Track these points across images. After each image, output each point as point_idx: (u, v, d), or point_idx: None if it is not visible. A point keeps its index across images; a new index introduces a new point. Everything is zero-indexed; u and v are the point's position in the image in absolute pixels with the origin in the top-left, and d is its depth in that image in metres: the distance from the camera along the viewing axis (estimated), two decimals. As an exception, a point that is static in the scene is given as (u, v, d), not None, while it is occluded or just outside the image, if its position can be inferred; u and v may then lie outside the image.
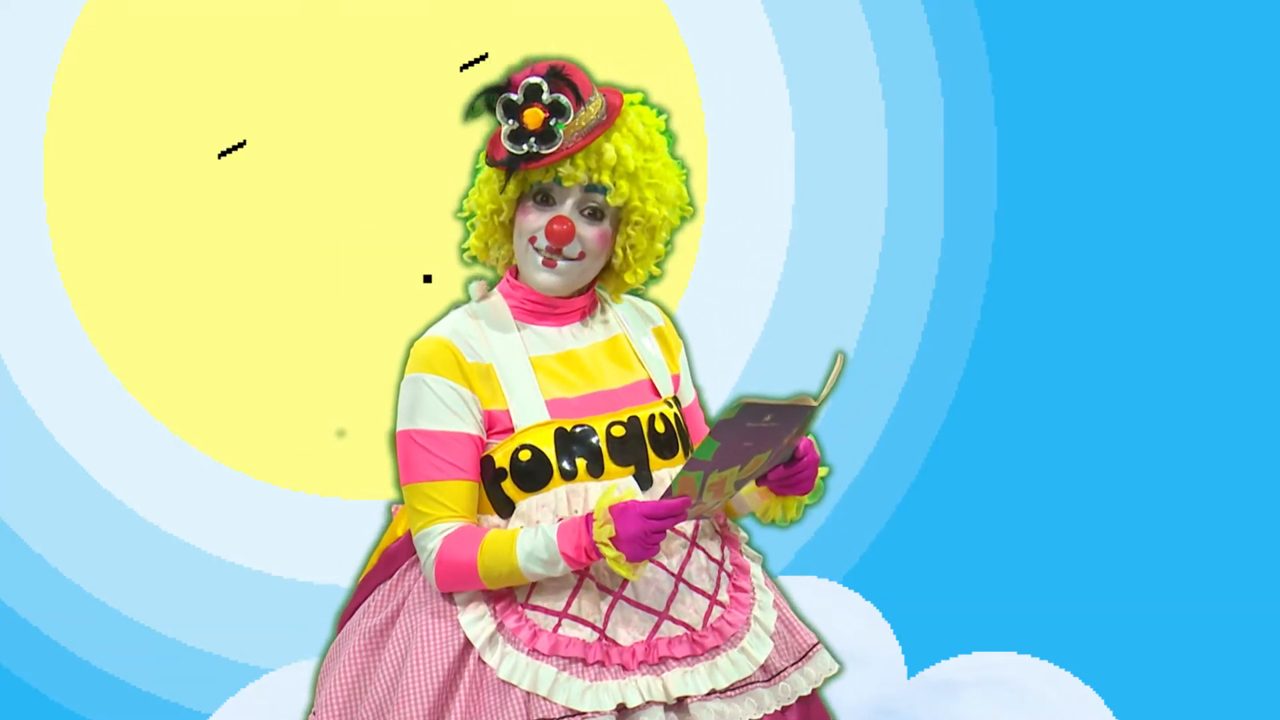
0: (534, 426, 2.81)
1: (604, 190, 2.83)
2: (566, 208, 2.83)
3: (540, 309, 2.89)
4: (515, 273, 2.92)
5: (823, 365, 2.80)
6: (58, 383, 4.76)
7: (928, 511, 4.78)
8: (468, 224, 2.94)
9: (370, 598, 2.96)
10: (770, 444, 2.70)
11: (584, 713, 2.72)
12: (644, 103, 2.90)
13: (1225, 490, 4.75)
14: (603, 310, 2.97)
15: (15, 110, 4.73)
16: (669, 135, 2.91)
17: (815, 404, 2.68)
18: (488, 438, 2.83)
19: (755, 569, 2.95)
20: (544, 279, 2.85)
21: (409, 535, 2.92)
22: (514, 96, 2.79)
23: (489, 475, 2.83)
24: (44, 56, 4.72)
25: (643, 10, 4.81)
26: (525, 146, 2.78)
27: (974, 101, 4.84)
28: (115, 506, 4.75)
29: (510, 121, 2.79)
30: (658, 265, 2.95)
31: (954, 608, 4.70)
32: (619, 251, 2.89)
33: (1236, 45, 4.78)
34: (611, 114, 2.83)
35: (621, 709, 2.74)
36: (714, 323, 4.75)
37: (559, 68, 2.82)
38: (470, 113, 2.84)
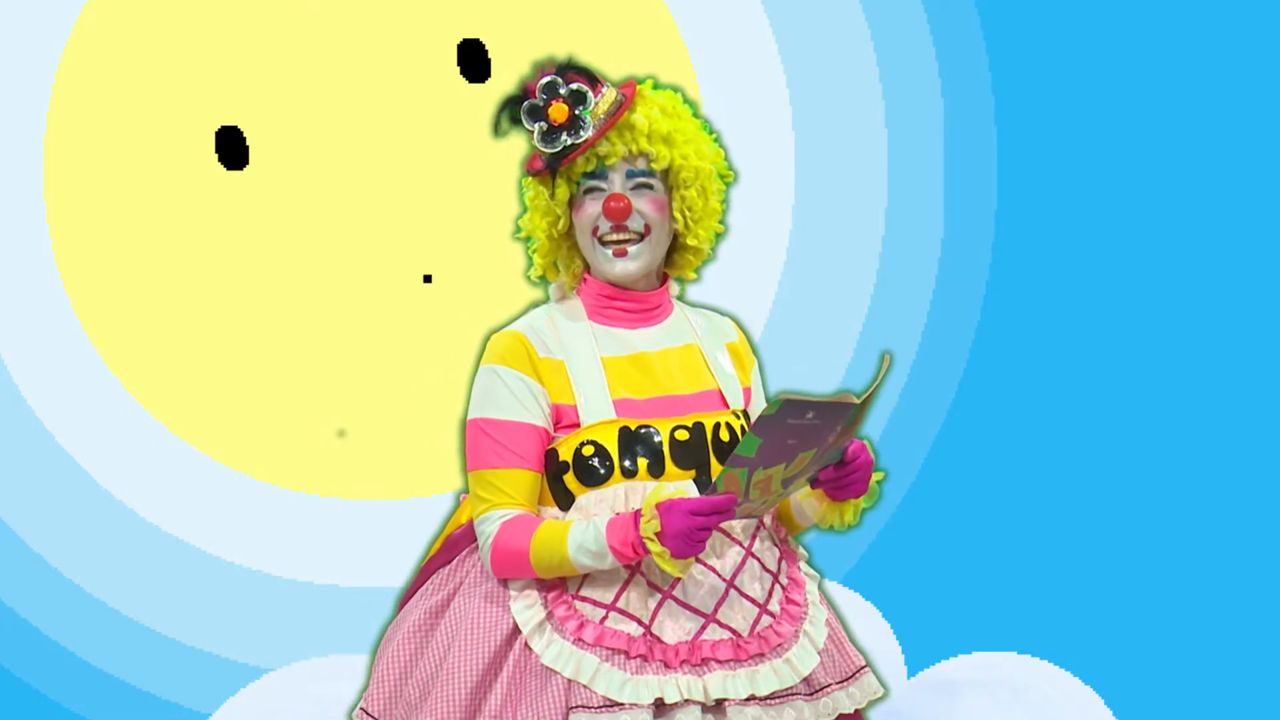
0: (600, 424, 2.85)
1: (646, 159, 2.89)
2: (616, 187, 2.89)
3: (613, 305, 2.94)
4: (588, 270, 2.97)
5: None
6: (58, 383, 4.76)
7: (928, 511, 4.78)
8: (529, 250, 2.98)
9: (429, 580, 3.00)
10: (814, 442, 2.71)
11: (621, 704, 2.75)
12: (656, 86, 2.98)
13: (1225, 490, 4.75)
14: (679, 319, 3.01)
15: (15, 110, 4.73)
16: (690, 104, 2.99)
17: (856, 402, 2.69)
18: (555, 431, 2.88)
19: (811, 586, 2.99)
20: (619, 268, 2.91)
21: (471, 523, 2.96)
22: (535, 101, 2.87)
23: (552, 468, 2.88)
24: (44, 56, 4.72)
25: (643, 10, 4.81)
26: (559, 143, 2.85)
27: (974, 101, 4.84)
28: (115, 506, 4.75)
29: (539, 124, 2.86)
30: (721, 223, 3.04)
31: (954, 608, 4.71)
32: (678, 216, 2.95)
33: (1236, 45, 4.78)
34: (629, 96, 2.90)
35: (659, 705, 2.77)
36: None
37: (567, 62, 2.90)
38: (498, 130, 2.91)
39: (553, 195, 2.90)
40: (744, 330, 3.12)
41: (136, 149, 4.73)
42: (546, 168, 2.88)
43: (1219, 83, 4.79)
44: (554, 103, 2.86)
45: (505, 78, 4.71)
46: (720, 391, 2.97)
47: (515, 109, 2.88)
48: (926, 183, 4.86)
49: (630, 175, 2.90)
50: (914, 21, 4.84)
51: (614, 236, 2.90)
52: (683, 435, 2.88)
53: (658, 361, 2.94)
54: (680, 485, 2.83)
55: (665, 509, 2.72)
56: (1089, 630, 4.67)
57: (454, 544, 3.01)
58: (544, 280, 3.02)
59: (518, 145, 2.97)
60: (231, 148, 4.71)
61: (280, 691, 4.54)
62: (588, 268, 2.97)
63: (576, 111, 2.85)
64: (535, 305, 3.01)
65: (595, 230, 2.91)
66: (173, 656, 4.71)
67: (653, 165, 2.90)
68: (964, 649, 4.62)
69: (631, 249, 2.91)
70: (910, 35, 4.84)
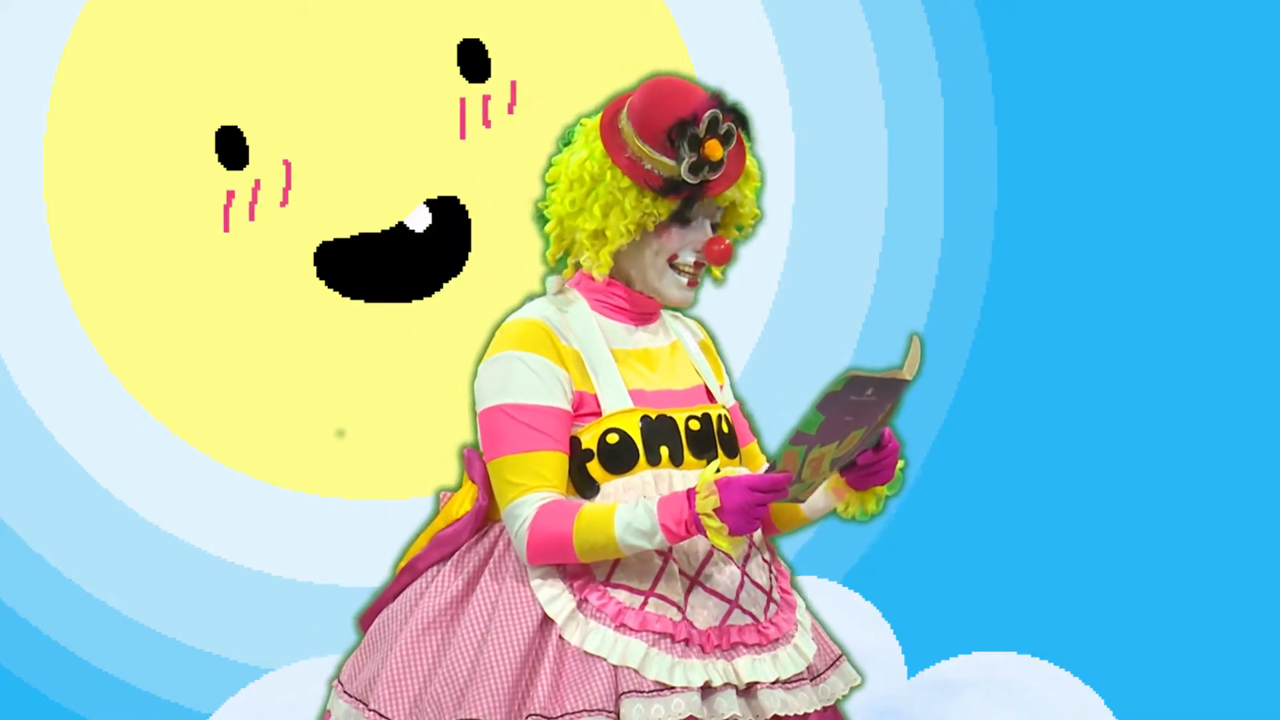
0: (621, 411, 2.86)
1: (737, 205, 2.93)
2: (708, 226, 2.92)
3: (622, 303, 2.95)
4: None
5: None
6: (58, 383, 4.76)
7: (928, 511, 4.78)
8: (596, 244, 2.92)
9: (425, 579, 2.95)
10: (867, 420, 2.73)
11: (673, 687, 2.76)
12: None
13: (1225, 490, 4.75)
14: (664, 319, 3.03)
15: (15, 110, 4.73)
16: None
17: (909, 378, 2.74)
18: (574, 419, 2.87)
19: (793, 577, 3.03)
20: (686, 296, 2.94)
21: (468, 519, 2.94)
22: (698, 130, 2.85)
23: (575, 455, 2.86)
24: (44, 56, 4.72)
25: (643, 10, 4.81)
26: (701, 176, 2.84)
27: (974, 101, 4.84)
28: (115, 506, 4.76)
29: (691, 154, 2.84)
30: None
31: (954, 608, 4.71)
32: None
33: (1236, 45, 4.79)
34: (739, 138, 2.92)
35: (706, 687, 2.79)
36: (714, 323, 4.74)
37: (720, 95, 2.91)
38: (668, 146, 2.85)
39: (679, 218, 2.88)
40: (708, 330, 3.16)
41: (136, 149, 4.73)
42: (672, 192, 2.86)
43: (1218, 82, 4.80)
44: (712, 139, 2.85)
45: (505, 78, 4.73)
46: (706, 387, 3.00)
47: (679, 129, 2.84)
48: (926, 183, 4.87)
49: (715, 211, 2.93)
50: (914, 21, 4.84)
51: (693, 269, 2.92)
52: (695, 425, 2.90)
53: (659, 356, 2.97)
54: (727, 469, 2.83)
55: (724, 485, 2.71)
56: (1089, 630, 4.68)
57: (445, 541, 2.96)
58: (559, 266, 2.98)
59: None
60: (231, 148, 4.71)
61: (280, 691, 4.55)
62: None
63: (724, 153, 2.85)
64: (531, 298, 2.98)
65: (673, 257, 2.91)
66: (173, 656, 4.71)
67: (742, 207, 2.94)
68: (964, 649, 4.63)
69: (699, 279, 2.95)
70: (910, 35, 4.84)
